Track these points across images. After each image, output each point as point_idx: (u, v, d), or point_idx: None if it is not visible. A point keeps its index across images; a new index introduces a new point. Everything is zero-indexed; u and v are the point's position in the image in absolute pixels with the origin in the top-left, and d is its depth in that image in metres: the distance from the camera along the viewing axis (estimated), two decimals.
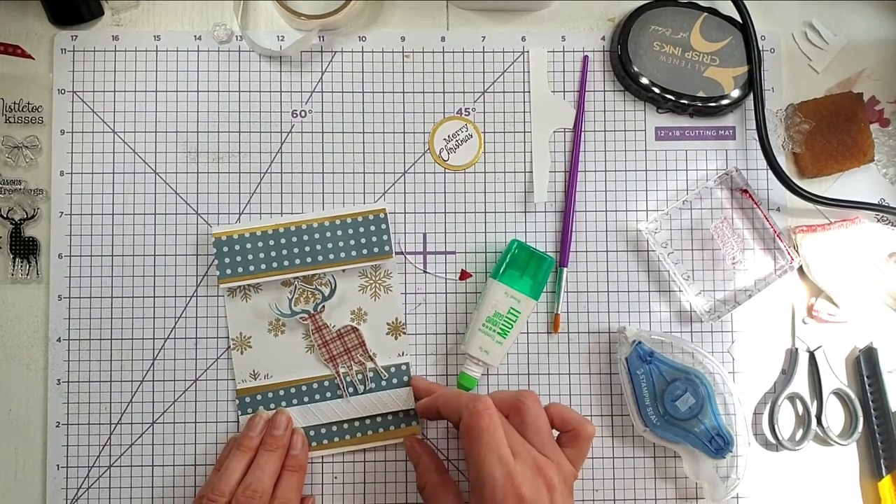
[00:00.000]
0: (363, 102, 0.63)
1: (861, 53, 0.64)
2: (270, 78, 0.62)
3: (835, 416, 0.61)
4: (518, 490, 0.46)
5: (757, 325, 0.62)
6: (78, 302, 0.61)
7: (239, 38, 0.63)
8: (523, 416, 0.51)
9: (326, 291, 0.60)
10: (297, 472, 0.56)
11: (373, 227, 0.60)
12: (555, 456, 0.50)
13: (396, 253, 0.61)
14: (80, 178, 0.61)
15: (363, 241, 0.60)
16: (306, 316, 0.60)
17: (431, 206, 0.62)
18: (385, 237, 0.60)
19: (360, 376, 0.60)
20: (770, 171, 0.61)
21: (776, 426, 0.60)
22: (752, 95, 0.62)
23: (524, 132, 0.63)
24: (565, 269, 0.61)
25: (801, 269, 0.62)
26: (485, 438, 0.48)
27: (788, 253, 0.61)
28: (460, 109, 0.63)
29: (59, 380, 0.60)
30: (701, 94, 0.61)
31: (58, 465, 0.60)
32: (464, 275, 0.62)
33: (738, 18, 0.62)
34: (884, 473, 0.60)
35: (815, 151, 0.62)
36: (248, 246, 0.60)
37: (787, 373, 0.61)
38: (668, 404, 0.58)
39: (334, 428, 0.60)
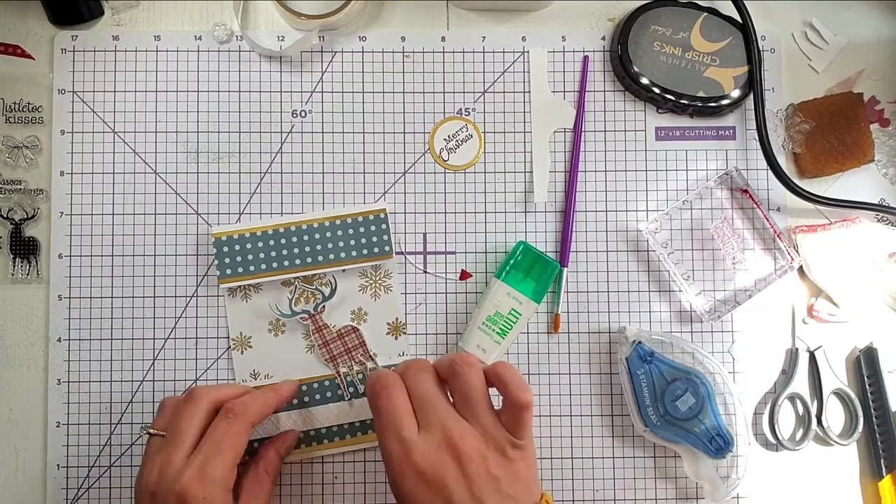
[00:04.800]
0: (363, 102, 0.63)
1: (861, 53, 0.64)
2: (270, 78, 0.63)
3: (835, 416, 0.61)
4: (415, 465, 0.46)
5: (757, 325, 0.62)
6: (78, 302, 0.61)
7: (239, 38, 0.63)
8: (453, 383, 0.49)
9: (327, 291, 0.60)
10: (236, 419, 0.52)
11: (373, 227, 0.60)
12: (480, 423, 0.48)
13: (396, 253, 0.61)
14: (80, 178, 0.61)
15: (363, 241, 0.60)
16: (306, 316, 0.60)
17: (431, 206, 0.62)
18: (385, 237, 0.60)
19: (360, 376, 0.60)
20: (770, 171, 0.61)
21: (776, 426, 0.60)
22: (752, 95, 0.62)
23: (524, 132, 0.63)
24: (565, 269, 0.61)
25: (801, 269, 0.62)
26: (383, 419, 0.47)
27: (788, 253, 0.61)
28: (460, 109, 0.63)
29: (59, 380, 0.60)
30: (701, 94, 0.61)
31: (58, 465, 0.60)
32: (464, 275, 0.62)
33: (738, 18, 0.62)
34: (884, 473, 0.60)
35: (815, 151, 0.62)
36: (248, 246, 0.60)
37: (787, 373, 0.61)
38: (668, 404, 0.58)
39: (334, 428, 0.60)
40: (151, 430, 0.52)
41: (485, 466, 0.47)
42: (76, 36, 0.62)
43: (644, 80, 0.61)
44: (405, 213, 0.62)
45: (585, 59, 0.63)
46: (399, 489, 0.47)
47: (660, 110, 0.63)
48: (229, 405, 0.52)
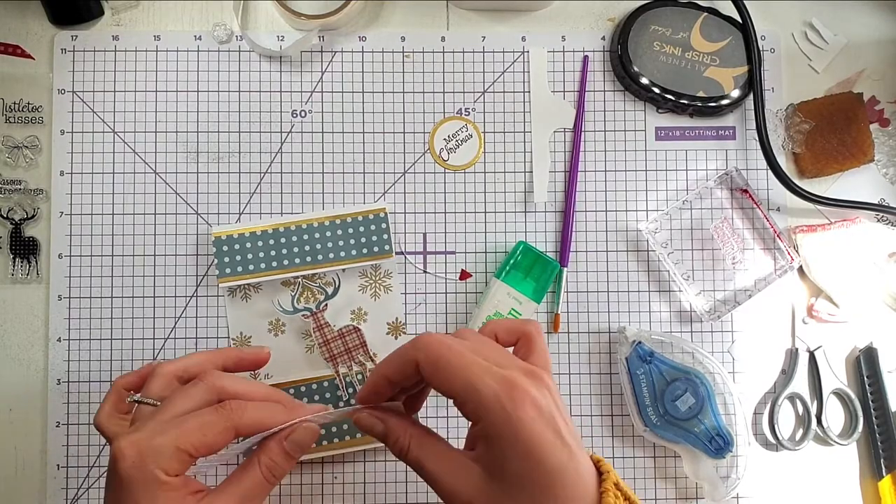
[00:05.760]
0: (363, 102, 0.63)
1: (861, 53, 0.64)
2: (270, 78, 0.63)
3: (835, 416, 0.61)
4: (528, 393, 0.40)
5: (757, 325, 0.62)
6: (78, 302, 0.61)
7: (239, 38, 0.63)
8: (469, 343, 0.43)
9: (330, 290, 0.60)
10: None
11: (373, 227, 0.60)
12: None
13: (396, 253, 0.61)
14: (80, 178, 0.61)
15: (363, 240, 0.60)
16: (308, 314, 0.60)
17: (431, 206, 0.62)
18: (385, 237, 0.60)
19: (359, 377, 0.60)
20: (770, 171, 0.61)
21: (776, 426, 0.60)
22: (752, 95, 0.62)
23: (524, 132, 0.63)
24: (565, 269, 0.61)
25: (801, 269, 0.62)
26: (454, 361, 0.41)
27: (788, 253, 0.61)
28: (460, 109, 0.63)
29: (59, 380, 0.60)
30: (701, 94, 0.61)
31: (58, 465, 0.60)
32: (464, 275, 0.62)
33: (738, 18, 0.62)
34: (884, 473, 0.60)
35: (815, 151, 0.62)
36: (248, 245, 0.60)
37: (787, 373, 0.61)
38: (668, 404, 0.58)
39: (334, 429, 0.60)
40: (141, 399, 0.47)
41: (560, 400, 0.42)
42: (76, 36, 0.62)
43: (644, 80, 0.61)
44: (405, 213, 0.62)
45: (585, 59, 0.63)
46: (517, 427, 0.39)
47: (660, 110, 0.63)
48: (232, 402, 0.45)
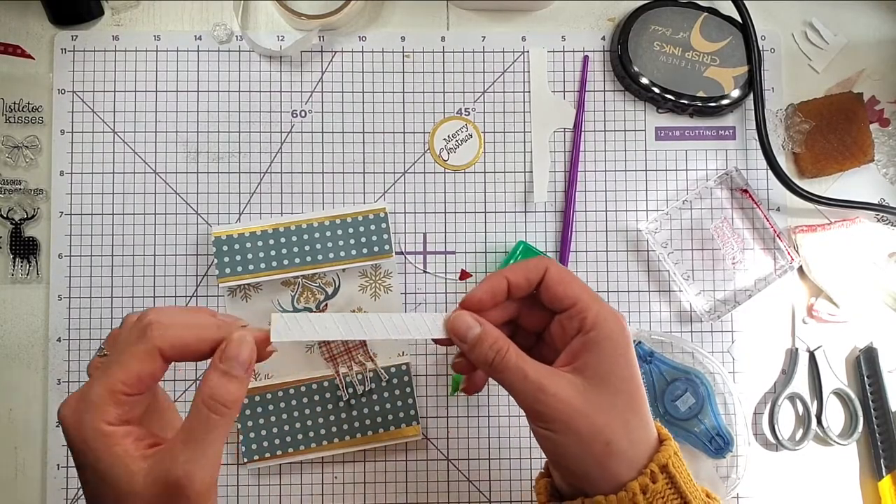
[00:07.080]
0: (363, 102, 0.63)
1: (861, 53, 0.64)
2: (270, 78, 0.63)
3: (835, 416, 0.61)
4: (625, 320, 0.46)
5: (757, 325, 0.62)
6: (78, 302, 0.61)
7: (239, 38, 0.63)
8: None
9: (330, 290, 0.61)
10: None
11: (373, 227, 0.60)
12: None
13: (396, 253, 0.61)
14: (80, 178, 0.61)
15: (363, 240, 0.60)
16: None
17: (431, 206, 0.62)
18: (385, 236, 0.60)
19: (359, 377, 0.60)
20: (770, 171, 0.61)
21: (776, 426, 0.60)
22: (752, 95, 0.62)
23: (524, 132, 0.63)
24: None
25: (801, 269, 0.62)
26: (577, 279, 0.45)
27: (788, 253, 0.61)
28: (460, 109, 0.63)
29: (59, 380, 0.60)
30: (701, 94, 0.61)
31: (58, 465, 0.60)
32: (464, 275, 0.62)
33: (738, 18, 0.62)
34: (884, 473, 0.60)
35: (815, 151, 0.62)
36: (248, 245, 0.60)
37: (787, 373, 0.61)
38: (668, 404, 0.58)
39: (334, 429, 0.60)
40: (99, 352, 0.45)
41: None
42: (76, 36, 0.62)
43: (644, 80, 0.61)
44: (405, 213, 0.62)
45: (585, 59, 0.63)
46: (627, 339, 0.44)
47: (660, 110, 0.63)
48: (151, 325, 0.40)
